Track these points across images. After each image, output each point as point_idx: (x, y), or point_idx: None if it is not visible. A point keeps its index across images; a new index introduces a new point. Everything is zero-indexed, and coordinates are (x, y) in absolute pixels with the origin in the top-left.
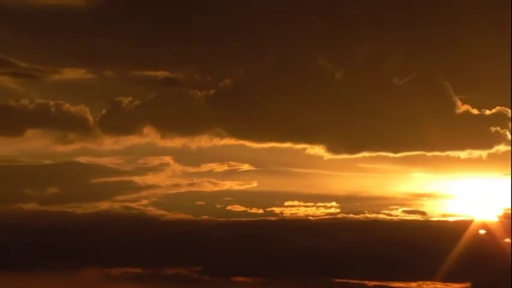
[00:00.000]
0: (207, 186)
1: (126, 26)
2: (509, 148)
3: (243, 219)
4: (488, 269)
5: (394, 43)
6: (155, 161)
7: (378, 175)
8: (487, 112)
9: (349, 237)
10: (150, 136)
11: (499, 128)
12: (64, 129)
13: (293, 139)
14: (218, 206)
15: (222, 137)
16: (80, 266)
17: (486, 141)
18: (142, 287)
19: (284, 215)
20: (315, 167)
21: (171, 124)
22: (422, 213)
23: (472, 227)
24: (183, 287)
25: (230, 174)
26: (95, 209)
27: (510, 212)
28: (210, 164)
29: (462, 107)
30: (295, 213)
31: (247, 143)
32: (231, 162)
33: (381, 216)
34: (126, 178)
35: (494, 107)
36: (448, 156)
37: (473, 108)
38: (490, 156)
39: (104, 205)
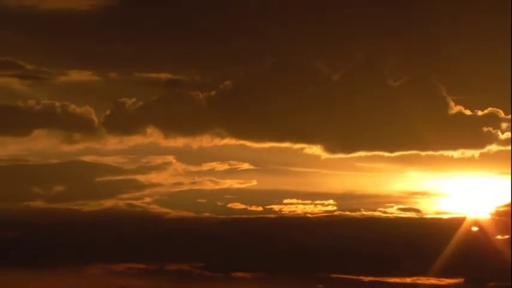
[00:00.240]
0: (209, 185)
1: (130, 30)
2: (501, 148)
3: (243, 216)
4: (480, 265)
5: (389, 46)
6: (158, 160)
7: (373, 174)
8: (480, 113)
9: (346, 234)
10: (153, 136)
11: (491, 129)
12: (70, 130)
13: (291, 139)
14: (219, 203)
15: (222, 137)
16: (85, 262)
17: (478, 141)
18: (145, 283)
19: (283, 212)
20: (313, 166)
21: (173, 124)
22: (417, 210)
23: (465, 224)
24: (185, 282)
25: (231, 173)
26: (100, 206)
27: (509, 208)
28: (211, 163)
29: (455, 108)
30: (294, 211)
31: (247, 143)
32: (232, 162)
33: (376, 213)
34: (130, 177)
35: (487, 108)
36: (441, 156)
37: (466, 109)
38: (482, 155)
39: (108, 203)
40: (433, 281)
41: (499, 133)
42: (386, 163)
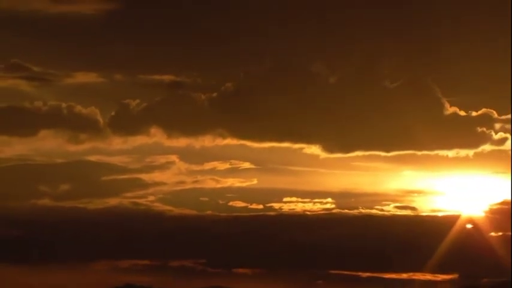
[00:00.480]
0: (210, 183)
1: (133, 33)
2: (495, 147)
3: (244, 214)
4: (474, 261)
5: (386, 49)
6: (161, 159)
7: (370, 173)
8: (474, 113)
9: (344, 231)
10: (156, 136)
11: (484, 129)
12: (75, 130)
13: (291, 139)
14: (221, 201)
15: (224, 137)
16: (90, 259)
17: (473, 141)
18: (149, 279)
19: (283, 210)
20: (312, 165)
21: (176, 125)
22: (413, 208)
23: (459, 222)
24: (188, 278)
25: (232, 172)
26: (105, 204)
27: (503, 206)
28: (213, 163)
29: (450, 109)
30: (293, 209)
31: (248, 143)
32: (233, 161)
33: (373, 211)
34: (134, 176)
35: (480, 109)
36: (437, 155)
37: (460, 110)
38: (476, 155)
39: (113, 201)
40: (428, 276)
41: (493, 133)
42: (383, 162)
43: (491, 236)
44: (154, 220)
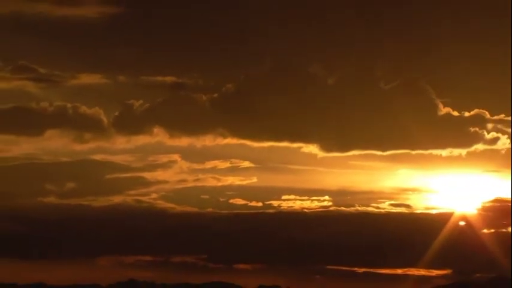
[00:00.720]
0: (211, 182)
1: (137, 36)
2: (487, 147)
3: (244, 211)
4: (467, 257)
5: (381, 52)
6: (164, 158)
7: (367, 171)
8: (466, 114)
9: (341, 228)
10: (159, 136)
11: (477, 129)
12: (80, 130)
13: (290, 139)
14: (221, 199)
15: (224, 137)
16: (95, 255)
17: (465, 140)
18: (153, 274)
19: (281, 207)
20: (310, 164)
21: (178, 125)
22: (408, 206)
23: (452, 219)
24: (189, 273)
25: (232, 171)
26: (109, 202)
27: (495, 204)
28: (214, 161)
29: (443, 110)
30: (292, 206)
31: (248, 142)
32: (233, 160)
33: (370, 209)
34: (137, 174)
35: (473, 110)
36: (430, 154)
37: (453, 110)
38: (469, 154)
39: (117, 199)
40: (422, 272)
41: (485, 133)
42: (378, 161)
43: (484, 233)
44: (157, 217)
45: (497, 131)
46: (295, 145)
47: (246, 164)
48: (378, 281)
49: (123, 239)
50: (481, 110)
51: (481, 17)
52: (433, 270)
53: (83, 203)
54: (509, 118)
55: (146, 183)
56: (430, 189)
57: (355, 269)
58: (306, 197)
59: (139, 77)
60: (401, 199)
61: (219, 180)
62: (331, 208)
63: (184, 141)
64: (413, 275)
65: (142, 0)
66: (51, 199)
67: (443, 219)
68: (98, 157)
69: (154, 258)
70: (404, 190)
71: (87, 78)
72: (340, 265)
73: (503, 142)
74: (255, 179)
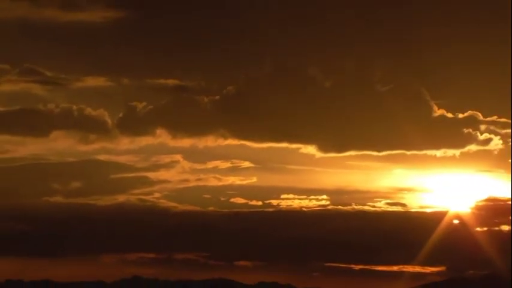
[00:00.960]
0: (213, 181)
1: (140, 40)
2: (480, 148)
3: (244, 210)
4: (461, 254)
5: (377, 55)
6: (166, 158)
7: (363, 171)
8: (460, 115)
9: (338, 226)
10: (162, 137)
11: (470, 130)
12: (86, 131)
13: (288, 139)
14: (222, 198)
15: (225, 138)
16: (100, 252)
17: (459, 141)
18: (155, 271)
19: (280, 206)
20: (308, 164)
21: (180, 126)
22: (403, 205)
23: (447, 218)
24: (191, 270)
25: (233, 171)
26: (113, 201)
27: (488, 203)
28: (215, 162)
29: (438, 111)
30: (291, 205)
31: (248, 143)
32: (234, 160)
33: (366, 207)
34: (141, 174)
35: (467, 111)
36: (425, 155)
37: (447, 112)
38: (462, 154)
39: (121, 198)
40: (417, 269)
41: (478, 134)
42: (375, 161)
43: (477, 231)
44: (160, 216)
45: (490, 132)
46: (294, 146)
47: (246, 164)
48: (374, 277)
49: (127, 237)
50: (474, 112)
51: (476, 20)
52: (428, 267)
53: (88, 202)
54: (501, 120)
55: (149, 182)
56: (425, 189)
57: (352, 265)
58: (304, 196)
59: (143, 80)
60: (396, 198)
61: (220, 180)
62: (329, 207)
63: (186, 142)
64: (408, 272)
65: (145, 5)
66: (57, 198)
67: (437, 217)
68: (102, 157)
69: (157, 256)
70: (400, 189)
71: (92, 81)
72: (337, 262)
73: (496, 143)
74: (255, 179)
